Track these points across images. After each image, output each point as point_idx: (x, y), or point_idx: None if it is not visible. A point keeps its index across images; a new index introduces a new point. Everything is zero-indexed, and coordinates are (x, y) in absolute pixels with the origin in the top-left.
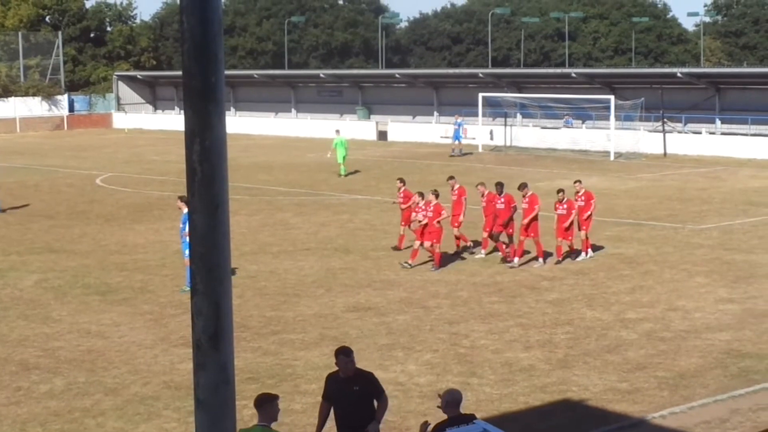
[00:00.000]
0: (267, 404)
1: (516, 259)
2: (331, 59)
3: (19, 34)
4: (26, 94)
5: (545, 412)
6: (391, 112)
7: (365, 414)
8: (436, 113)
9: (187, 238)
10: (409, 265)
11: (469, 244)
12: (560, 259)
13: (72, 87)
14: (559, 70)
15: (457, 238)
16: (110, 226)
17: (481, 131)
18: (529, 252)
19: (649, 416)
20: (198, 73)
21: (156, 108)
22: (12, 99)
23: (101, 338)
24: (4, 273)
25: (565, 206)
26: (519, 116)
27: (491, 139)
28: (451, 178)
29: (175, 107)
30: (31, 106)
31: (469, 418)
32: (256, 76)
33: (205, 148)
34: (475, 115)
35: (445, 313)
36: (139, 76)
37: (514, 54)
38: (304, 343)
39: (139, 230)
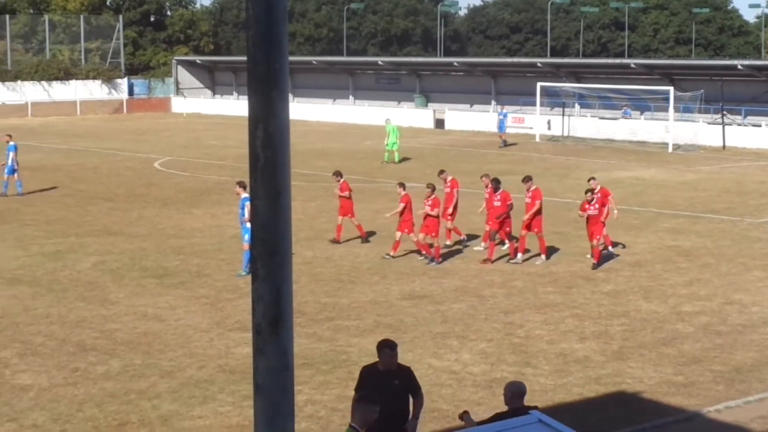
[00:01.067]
0: (363, 405)
1: (519, 255)
2: (389, 47)
3: (81, 17)
4: (87, 78)
5: (599, 403)
6: (449, 101)
7: (401, 408)
8: (493, 102)
9: (247, 224)
10: (390, 256)
11: (462, 237)
12: (597, 262)
13: (131, 71)
14: (618, 61)
15: (449, 230)
16: (168, 209)
17: (538, 121)
18: (529, 250)
19: (705, 410)
20: (263, 60)
21: (214, 93)
22: (73, 82)
23: (158, 321)
24: (63, 255)
25: (596, 206)
26: (577, 106)
27: (549, 128)
28: (442, 171)
29: (234, 92)
30: (92, 89)
31: (531, 410)
32: (314, 62)
33: (268, 135)
34: (533, 104)
35: (500, 303)
36: (198, 61)
37: (572, 44)
38: (359, 329)
39: (196, 214)
